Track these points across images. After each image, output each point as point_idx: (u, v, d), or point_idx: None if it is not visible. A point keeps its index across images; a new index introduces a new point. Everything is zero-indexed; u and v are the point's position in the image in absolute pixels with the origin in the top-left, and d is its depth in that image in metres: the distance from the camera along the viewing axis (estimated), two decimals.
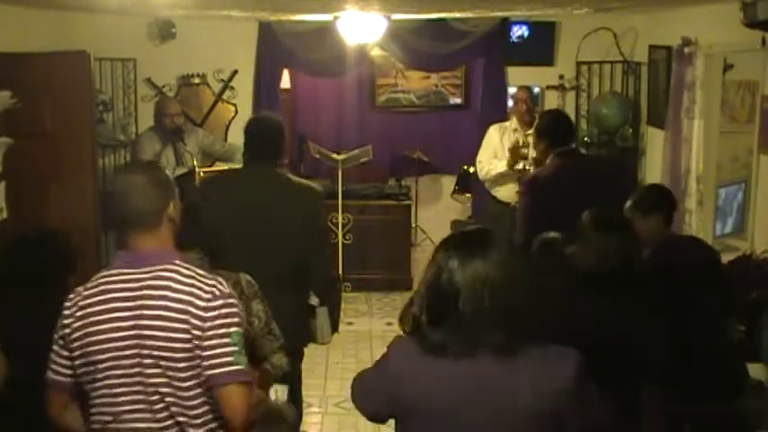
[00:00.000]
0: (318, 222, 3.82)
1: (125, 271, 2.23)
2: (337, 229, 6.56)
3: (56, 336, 2.28)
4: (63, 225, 4.56)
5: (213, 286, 2.21)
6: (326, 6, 5.45)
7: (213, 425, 2.24)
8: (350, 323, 6.50)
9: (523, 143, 5.52)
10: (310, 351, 5.88)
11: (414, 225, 7.92)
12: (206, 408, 2.22)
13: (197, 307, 2.16)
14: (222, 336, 2.18)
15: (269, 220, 3.49)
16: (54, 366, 2.30)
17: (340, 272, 6.57)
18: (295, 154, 7.61)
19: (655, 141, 6.31)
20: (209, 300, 2.17)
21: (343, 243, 6.57)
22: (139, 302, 2.18)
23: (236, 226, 3.35)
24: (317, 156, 6.88)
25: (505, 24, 6.90)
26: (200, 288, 2.19)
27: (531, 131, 4.97)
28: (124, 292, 2.20)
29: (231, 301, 2.23)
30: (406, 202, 7.32)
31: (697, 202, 5.24)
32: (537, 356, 1.94)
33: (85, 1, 5.16)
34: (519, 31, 6.99)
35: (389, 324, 6.48)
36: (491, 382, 1.93)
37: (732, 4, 4.17)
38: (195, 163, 5.85)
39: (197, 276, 2.22)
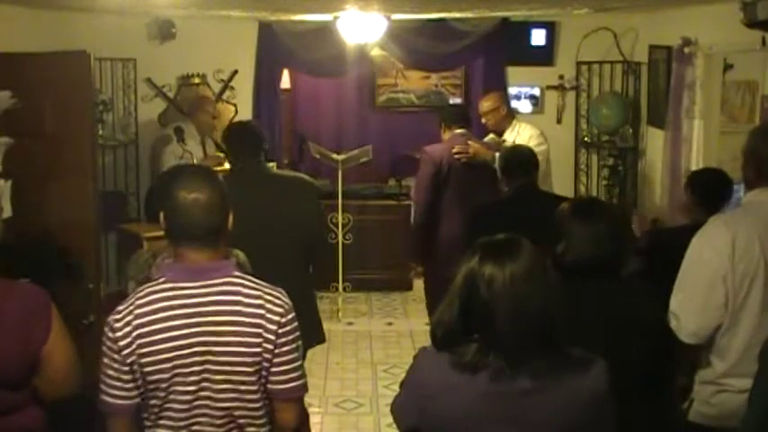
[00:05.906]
0: (317, 210, 3.84)
1: (181, 285, 2.14)
2: (337, 229, 6.56)
3: (106, 359, 2.14)
4: (63, 225, 4.55)
5: (279, 298, 2.20)
6: (326, 6, 5.44)
7: (269, 425, 2.26)
8: (350, 323, 6.51)
9: None
10: (310, 351, 5.92)
11: None
12: (266, 412, 2.24)
13: (271, 321, 2.14)
14: (292, 351, 2.19)
15: (267, 217, 3.50)
16: (112, 390, 2.15)
17: (340, 272, 6.57)
18: (295, 154, 7.60)
19: (655, 141, 6.30)
20: (282, 314, 2.16)
21: (343, 243, 6.57)
22: (206, 318, 2.11)
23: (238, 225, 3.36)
24: (317, 156, 6.88)
25: (506, 24, 6.90)
26: (270, 302, 2.17)
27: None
28: (185, 308, 2.12)
29: (295, 314, 2.22)
30: (406, 202, 7.31)
31: None
32: (571, 368, 1.91)
33: (85, 1, 5.16)
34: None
35: (389, 324, 6.48)
36: (528, 398, 1.88)
37: (732, 4, 4.17)
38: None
39: (261, 288, 2.19)
